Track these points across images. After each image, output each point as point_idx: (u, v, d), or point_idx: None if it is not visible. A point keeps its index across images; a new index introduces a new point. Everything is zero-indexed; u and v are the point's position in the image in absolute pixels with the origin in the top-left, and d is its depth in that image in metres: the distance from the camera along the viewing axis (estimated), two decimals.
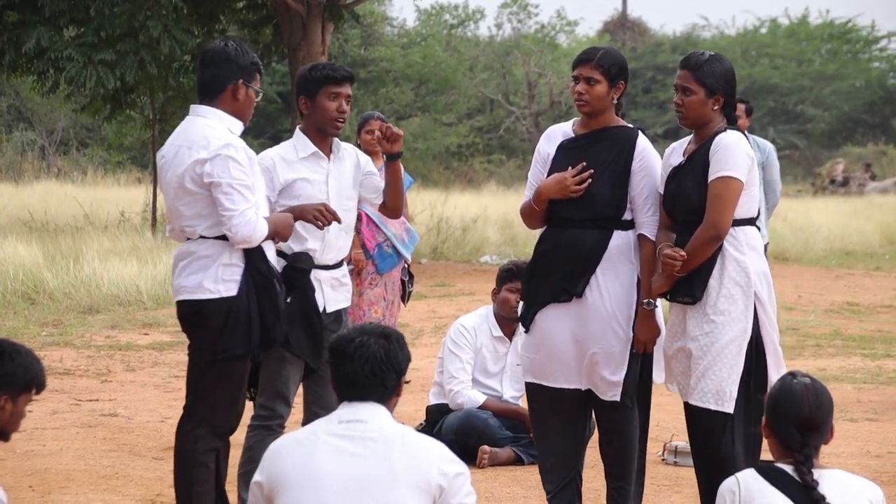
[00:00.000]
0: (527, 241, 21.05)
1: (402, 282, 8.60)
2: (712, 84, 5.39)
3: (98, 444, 7.63)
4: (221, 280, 5.20)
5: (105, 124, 22.72)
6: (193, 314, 5.25)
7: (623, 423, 5.62)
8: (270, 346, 5.34)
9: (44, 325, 12.43)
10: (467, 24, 43.35)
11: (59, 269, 14.22)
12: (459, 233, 20.87)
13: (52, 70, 18.10)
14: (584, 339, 5.57)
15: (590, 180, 5.58)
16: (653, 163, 5.60)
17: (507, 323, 7.73)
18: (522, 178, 38.12)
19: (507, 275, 7.66)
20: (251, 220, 5.15)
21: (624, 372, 5.55)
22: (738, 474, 4.00)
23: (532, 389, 5.76)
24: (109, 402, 9.05)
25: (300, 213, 5.70)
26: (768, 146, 10.02)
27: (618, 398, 5.56)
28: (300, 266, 5.69)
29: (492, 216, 23.11)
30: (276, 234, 5.41)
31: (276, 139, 33.59)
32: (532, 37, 42.41)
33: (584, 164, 5.57)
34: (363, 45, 38.13)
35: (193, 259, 5.25)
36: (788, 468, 3.93)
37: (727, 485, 3.98)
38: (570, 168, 5.60)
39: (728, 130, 5.39)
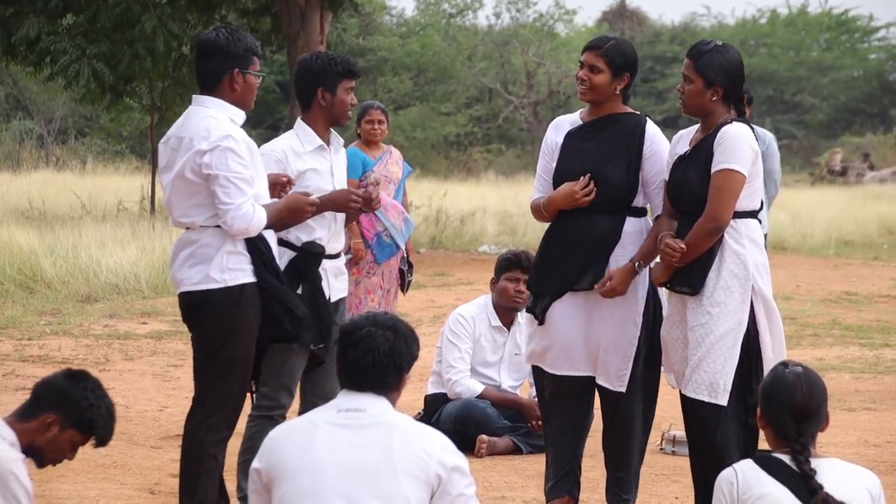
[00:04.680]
0: (525, 230, 21.04)
1: (402, 271, 8.59)
2: (710, 75, 5.35)
3: None
4: (227, 269, 5.21)
5: (104, 113, 22.68)
6: (199, 305, 5.24)
7: (628, 413, 5.62)
8: (290, 340, 5.38)
9: (42, 313, 12.43)
10: (466, 14, 43.28)
11: (57, 257, 14.21)
12: (458, 223, 20.86)
13: (48, 60, 18.05)
14: (592, 327, 5.57)
15: (603, 166, 5.56)
16: (662, 147, 5.60)
17: (506, 312, 7.73)
18: (521, 168, 38.11)
19: (506, 264, 7.66)
20: (247, 213, 5.15)
21: (631, 362, 5.55)
22: (736, 465, 4.00)
23: (537, 374, 5.77)
24: (107, 391, 9.04)
25: (333, 205, 5.73)
26: (768, 136, 10.00)
27: (624, 389, 5.56)
28: (317, 252, 5.72)
29: (490, 206, 23.11)
30: (284, 220, 5.42)
31: (274, 128, 33.59)
32: (530, 26, 42.37)
33: (590, 175, 5.56)
34: (361, 34, 38.09)
35: (195, 249, 5.24)
36: (786, 458, 3.94)
37: (725, 475, 3.99)
38: (579, 157, 5.60)
39: (734, 122, 5.35)
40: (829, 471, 3.92)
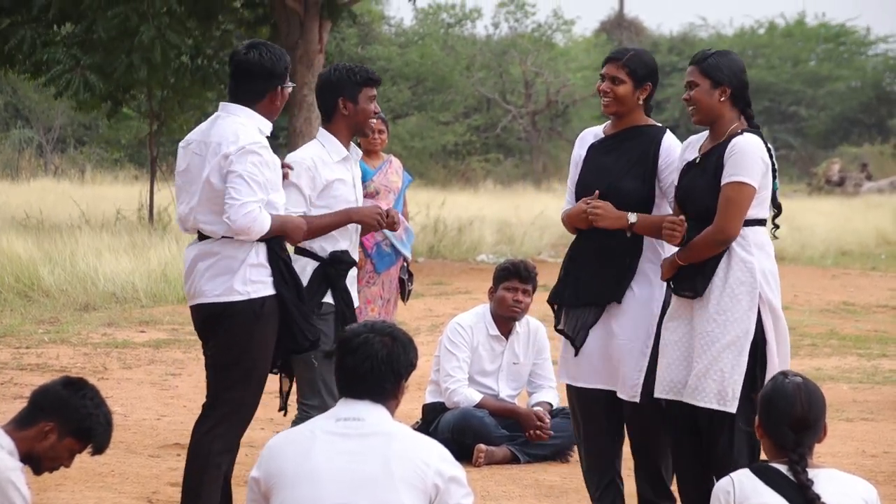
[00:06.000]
0: (523, 239, 21.05)
1: (402, 280, 8.59)
2: (717, 75, 5.35)
3: None
4: (249, 281, 5.25)
5: (103, 121, 22.69)
6: (219, 316, 5.26)
7: (651, 423, 5.58)
8: (306, 350, 5.43)
9: (40, 322, 12.42)
10: (464, 23, 43.35)
11: (55, 266, 14.21)
12: (456, 232, 20.87)
13: (43, 69, 18.03)
14: (611, 339, 5.58)
15: (619, 180, 5.57)
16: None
17: (504, 322, 7.73)
18: (519, 177, 38.16)
19: (504, 273, 7.66)
20: (251, 212, 5.17)
21: (643, 372, 5.54)
22: (733, 474, 4.01)
23: (567, 390, 5.78)
24: (106, 400, 9.03)
25: (360, 218, 5.86)
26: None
27: (637, 399, 5.55)
28: (349, 261, 5.84)
29: (489, 215, 23.11)
30: (285, 233, 5.45)
31: (273, 137, 33.55)
32: (529, 36, 42.42)
33: (603, 190, 5.58)
34: (360, 44, 38.15)
35: (218, 260, 5.26)
36: (783, 468, 3.94)
37: (722, 485, 3.99)
38: (598, 170, 5.63)
39: (745, 133, 5.34)
40: (827, 481, 3.93)
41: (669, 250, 5.54)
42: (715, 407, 5.26)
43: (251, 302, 5.24)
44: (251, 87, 5.38)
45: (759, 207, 5.37)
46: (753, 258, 5.32)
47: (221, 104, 5.44)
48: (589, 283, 5.61)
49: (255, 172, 5.20)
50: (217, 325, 5.28)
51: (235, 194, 5.16)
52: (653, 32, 54.05)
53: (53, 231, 16.95)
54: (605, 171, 5.63)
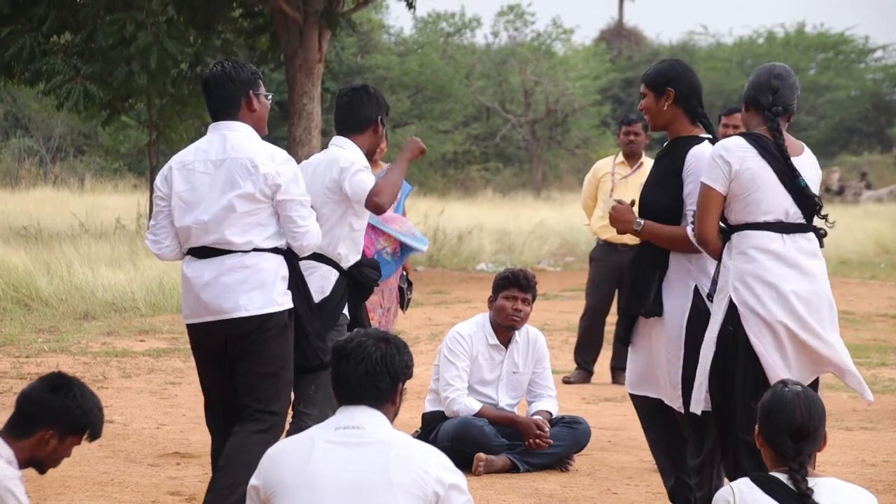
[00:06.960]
0: (523, 248, 21.05)
1: (401, 289, 8.60)
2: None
3: (94, 450, 7.61)
4: (283, 293, 5.42)
5: (102, 130, 22.68)
6: (259, 328, 5.37)
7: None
8: (315, 369, 5.63)
9: (40, 331, 12.43)
10: (464, 32, 43.40)
11: (54, 275, 14.22)
12: (455, 241, 20.88)
13: (42, 78, 18.04)
14: (653, 350, 5.64)
15: (649, 191, 5.70)
16: (702, 167, 5.53)
17: (504, 331, 7.73)
18: (518, 186, 38.19)
19: (504, 282, 7.67)
20: (318, 231, 5.49)
21: (679, 381, 5.53)
22: (733, 483, 4.01)
23: (630, 397, 5.91)
24: (105, 409, 8.93)
25: (412, 148, 6.38)
26: None
27: (679, 406, 5.56)
28: (379, 269, 6.14)
29: (488, 224, 23.13)
30: (387, 195, 5.96)
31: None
32: (528, 45, 42.46)
33: (633, 201, 5.75)
34: (360, 52, 38.19)
35: (252, 273, 5.38)
36: (783, 476, 3.95)
37: (722, 494, 4.00)
38: (647, 182, 5.80)
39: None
40: (827, 490, 3.93)
41: (696, 263, 5.56)
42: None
43: (283, 313, 5.41)
44: (223, 98, 5.47)
45: (744, 211, 5.40)
46: (730, 262, 5.36)
47: (214, 124, 5.52)
48: (628, 293, 5.75)
49: (304, 192, 5.46)
50: (254, 338, 5.38)
51: (302, 222, 5.41)
52: (652, 41, 54.15)
53: (53, 240, 16.96)
54: (645, 182, 5.80)
